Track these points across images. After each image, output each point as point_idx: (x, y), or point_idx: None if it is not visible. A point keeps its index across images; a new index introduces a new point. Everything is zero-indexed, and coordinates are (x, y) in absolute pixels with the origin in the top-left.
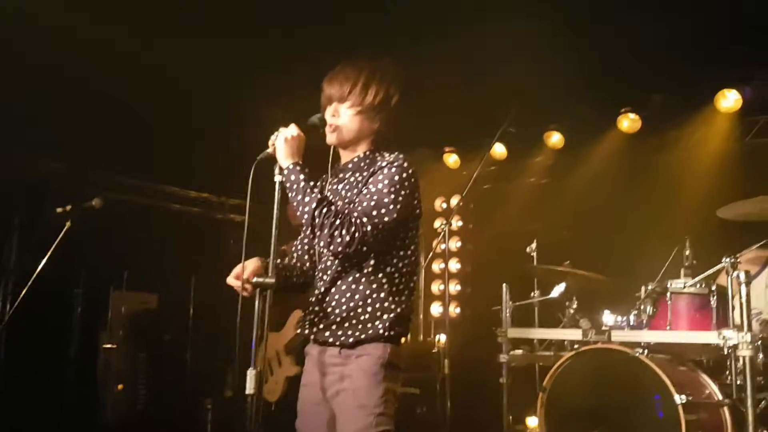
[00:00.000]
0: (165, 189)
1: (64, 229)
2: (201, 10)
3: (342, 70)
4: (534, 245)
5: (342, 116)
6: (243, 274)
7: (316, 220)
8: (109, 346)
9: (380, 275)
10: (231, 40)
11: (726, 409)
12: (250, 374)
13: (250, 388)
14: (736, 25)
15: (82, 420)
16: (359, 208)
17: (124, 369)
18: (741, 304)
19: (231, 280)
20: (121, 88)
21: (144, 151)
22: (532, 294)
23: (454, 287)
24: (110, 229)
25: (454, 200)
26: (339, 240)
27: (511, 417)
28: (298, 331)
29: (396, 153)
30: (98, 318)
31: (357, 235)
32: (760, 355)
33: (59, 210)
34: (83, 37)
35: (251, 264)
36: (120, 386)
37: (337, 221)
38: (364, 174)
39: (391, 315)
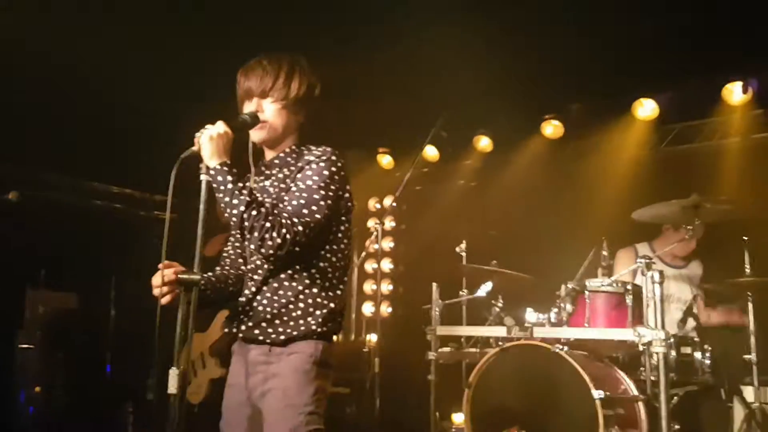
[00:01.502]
0: (86, 184)
1: None
2: (126, 8)
3: (259, 63)
4: (463, 245)
5: (267, 111)
6: (162, 278)
7: (246, 223)
8: (25, 346)
9: (313, 271)
10: (156, 35)
11: (641, 404)
12: (173, 374)
13: (171, 387)
14: (654, 35)
15: None
16: (289, 207)
17: (42, 370)
18: (655, 302)
19: (154, 281)
20: (42, 81)
21: (65, 144)
22: (461, 293)
23: (386, 287)
24: (27, 225)
25: (387, 201)
26: (270, 243)
27: (438, 413)
28: (226, 330)
29: (324, 147)
30: (14, 317)
31: (288, 236)
32: (673, 352)
33: None
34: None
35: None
36: (37, 388)
37: (267, 224)
38: (292, 169)
39: (324, 311)
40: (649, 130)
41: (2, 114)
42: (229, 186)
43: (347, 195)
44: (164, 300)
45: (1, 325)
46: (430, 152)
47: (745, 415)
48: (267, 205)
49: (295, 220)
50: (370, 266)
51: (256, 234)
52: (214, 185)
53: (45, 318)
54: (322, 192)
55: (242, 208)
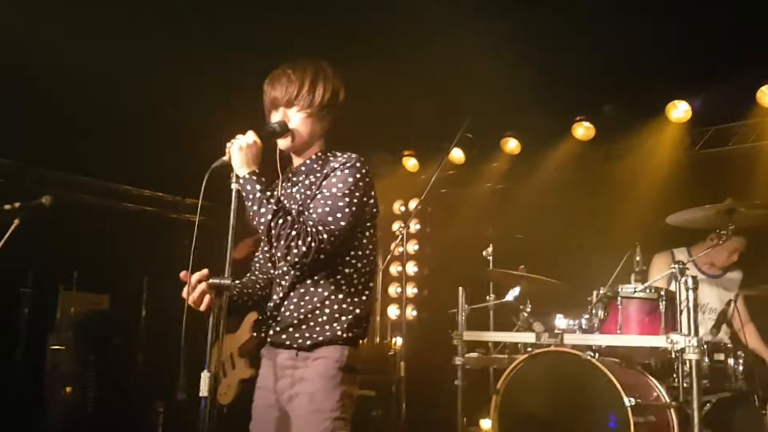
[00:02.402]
0: (118, 187)
1: (13, 227)
2: (154, 11)
3: (284, 72)
4: (490, 249)
5: (293, 120)
6: (190, 286)
7: (273, 231)
8: (57, 347)
9: (339, 277)
10: (186, 39)
11: (673, 411)
12: (204, 377)
13: (203, 390)
14: (688, 36)
15: (28, 423)
16: (314, 215)
17: (73, 371)
18: (688, 309)
19: (185, 293)
20: (75, 86)
21: (97, 148)
22: (488, 297)
23: (411, 290)
24: (61, 227)
25: (413, 203)
26: (296, 251)
27: (465, 419)
28: (254, 333)
29: (348, 153)
30: (47, 318)
31: (313, 245)
32: (706, 359)
33: (7, 207)
34: (31, 35)
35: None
36: (68, 389)
37: (293, 232)
38: (318, 175)
39: (350, 317)
40: (683, 132)
41: (36, 119)
42: (258, 195)
43: (372, 201)
44: (202, 307)
45: (33, 326)
46: (456, 155)
47: None
48: (293, 213)
49: (321, 228)
50: (395, 269)
51: (282, 242)
52: (243, 194)
53: (77, 319)
54: (347, 199)
55: (269, 217)
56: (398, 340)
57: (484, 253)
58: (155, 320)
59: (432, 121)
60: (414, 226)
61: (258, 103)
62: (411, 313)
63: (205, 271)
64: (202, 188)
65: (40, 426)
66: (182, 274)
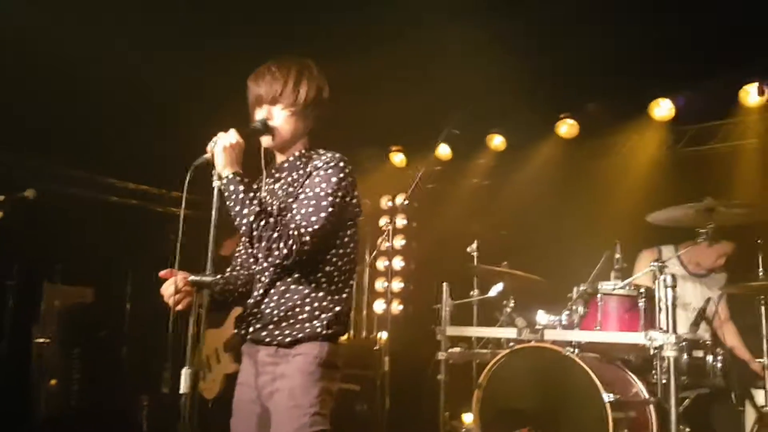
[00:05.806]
0: (102, 180)
1: None
2: (151, 7)
3: (268, 69)
4: (475, 245)
5: (276, 118)
6: (174, 287)
7: (255, 233)
8: (41, 340)
9: (319, 275)
10: (173, 33)
11: (651, 407)
12: (185, 373)
13: (184, 387)
14: (671, 36)
15: (13, 416)
16: (297, 216)
17: (58, 364)
18: (667, 306)
19: (167, 291)
20: (59, 77)
21: (81, 140)
22: (472, 293)
23: (397, 285)
24: (45, 220)
25: (399, 199)
26: (277, 253)
27: (448, 413)
28: (235, 330)
29: (332, 152)
30: (31, 311)
31: (295, 247)
32: (685, 355)
33: None
34: (26, 25)
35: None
36: (53, 381)
37: (275, 234)
38: (300, 173)
39: (330, 314)
40: (666, 130)
41: (18, 111)
42: (240, 196)
43: (354, 201)
44: (179, 306)
45: (18, 319)
46: (443, 150)
47: (756, 418)
48: (275, 214)
49: (303, 230)
50: (381, 264)
51: (264, 243)
52: (226, 194)
53: (61, 312)
54: (330, 199)
55: (251, 218)
56: (383, 335)
57: (469, 248)
58: (139, 313)
59: (419, 117)
60: (400, 221)
61: (243, 96)
62: (397, 307)
63: (185, 275)
64: (185, 187)
65: (25, 418)
66: (162, 272)
